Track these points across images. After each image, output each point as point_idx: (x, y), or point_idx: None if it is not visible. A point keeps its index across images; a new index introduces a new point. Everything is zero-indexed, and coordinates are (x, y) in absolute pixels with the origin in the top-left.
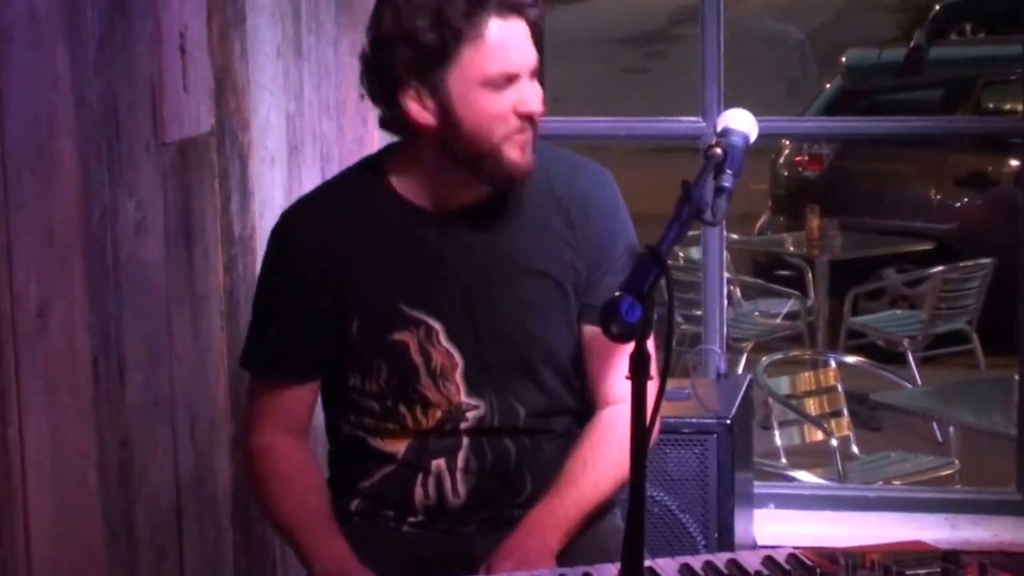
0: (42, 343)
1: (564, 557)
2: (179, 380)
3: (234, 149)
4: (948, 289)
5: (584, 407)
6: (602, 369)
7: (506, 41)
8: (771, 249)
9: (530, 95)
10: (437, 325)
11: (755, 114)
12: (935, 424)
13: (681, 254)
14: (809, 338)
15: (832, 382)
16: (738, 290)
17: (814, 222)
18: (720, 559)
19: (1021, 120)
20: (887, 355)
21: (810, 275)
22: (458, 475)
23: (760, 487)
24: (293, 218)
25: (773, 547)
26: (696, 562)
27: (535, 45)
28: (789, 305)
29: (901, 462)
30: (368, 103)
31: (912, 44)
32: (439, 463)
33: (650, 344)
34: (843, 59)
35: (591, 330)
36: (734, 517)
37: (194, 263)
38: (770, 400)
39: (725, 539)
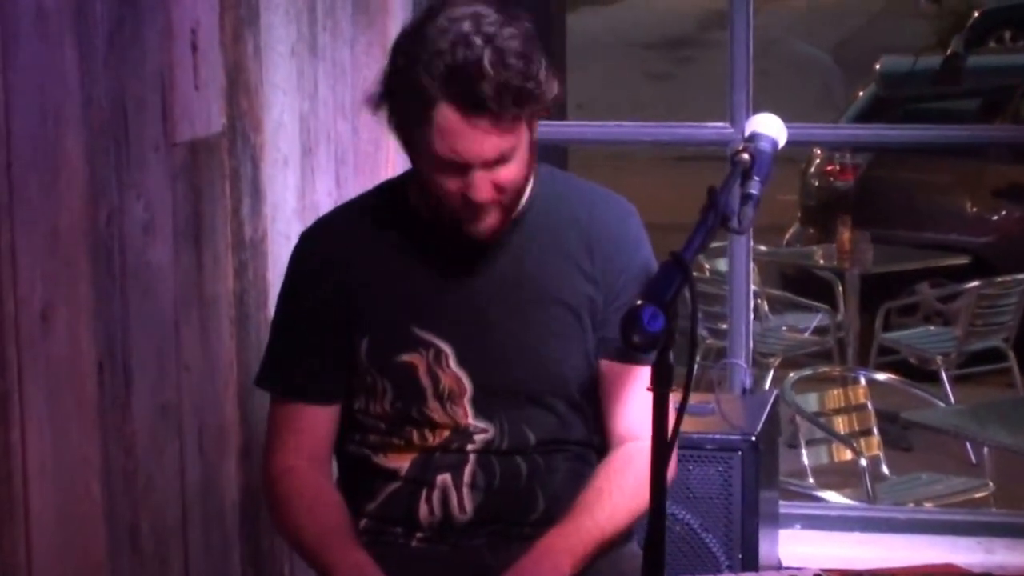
0: (46, 347)
1: None
2: (187, 387)
3: (246, 150)
4: (984, 305)
5: (598, 439)
6: (617, 405)
7: (456, 132)
8: (800, 262)
9: (479, 186)
10: (447, 348)
11: (785, 121)
12: (968, 444)
13: (707, 266)
14: (839, 354)
15: (862, 400)
16: (765, 304)
17: (845, 234)
18: None
19: None
20: (920, 373)
21: (840, 289)
22: (464, 490)
23: (786, 507)
24: (312, 239)
25: (799, 569)
26: None
27: (528, 121)
28: (818, 319)
29: (933, 483)
30: None
31: (949, 51)
32: (444, 478)
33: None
34: (877, 66)
35: (607, 364)
36: (759, 537)
37: (203, 267)
38: (797, 418)
39: (749, 560)
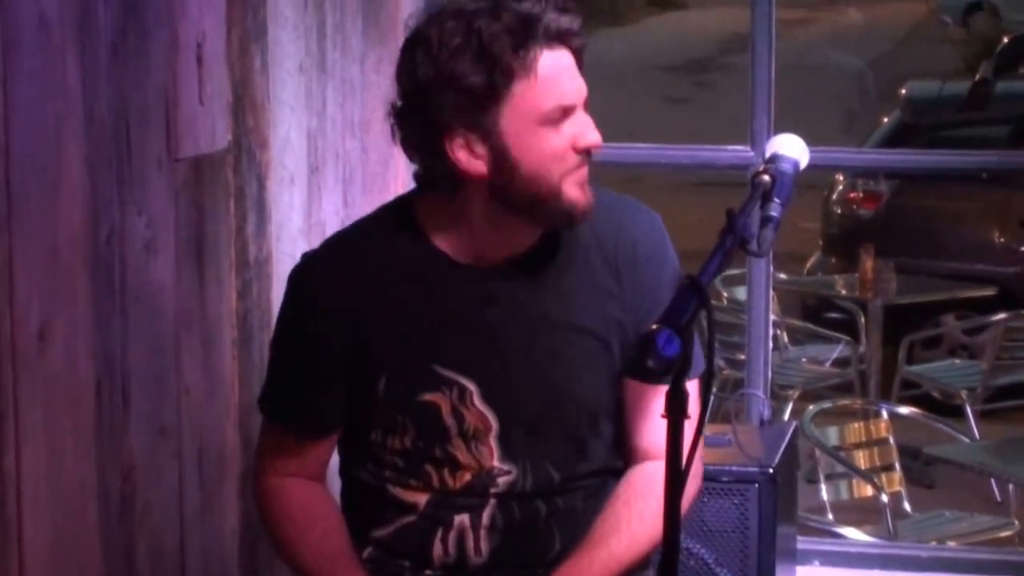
0: (42, 366)
1: None
2: (187, 410)
3: (251, 168)
4: (1011, 338)
5: (616, 460)
6: (642, 422)
7: (558, 73)
8: (821, 291)
9: (588, 127)
10: (471, 386)
11: (808, 146)
12: (993, 482)
13: (725, 294)
14: (860, 387)
15: (884, 434)
16: (784, 334)
17: (868, 263)
18: None
19: None
20: (944, 408)
21: (862, 320)
22: (482, 532)
23: (804, 542)
24: (314, 265)
25: None
26: None
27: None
28: (838, 351)
29: (956, 521)
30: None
31: (977, 77)
32: (462, 519)
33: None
34: (903, 91)
35: (633, 385)
36: (775, 574)
37: (206, 287)
38: (817, 452)
39: None
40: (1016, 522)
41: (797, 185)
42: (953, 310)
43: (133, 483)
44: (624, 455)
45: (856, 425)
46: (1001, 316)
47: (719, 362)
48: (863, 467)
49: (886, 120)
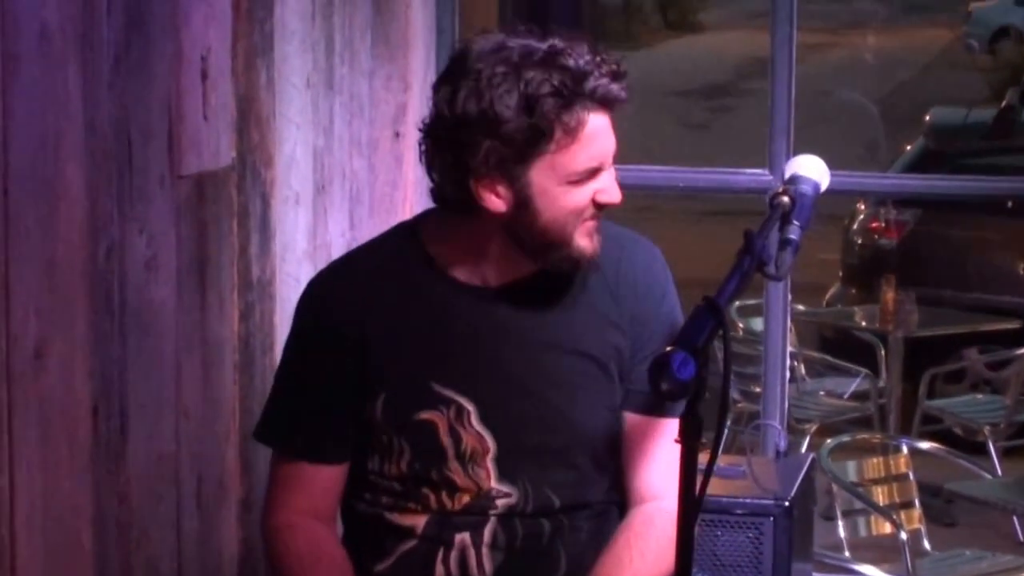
0: (38, 387)
1: None
2: (185, 435)
3: (256, 186)
4: None
5: (620, 496)
6: (640, 461)
7: (596, 136)
8: (840, 323)
9: (611, 185)
10: (469, 406)
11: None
12: (1016, 521)
13: (741, 325)
14: (879, 422)
15: (903, 470)
16: (802, 366)
17: (889, 294)
18: None
19: None
20: (966, 444)
21: (883, 353)
22: (484, 550)
23: None
24: (322, 287)
25: None
26: None
27: None
28: (856, 383)
29: (977, 560)
30: (404, 142)
31: (1003, 104)
32: (463, 537)
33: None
34: (927, 118)
35: (632, 418)
36: None
37: (207, 308)
38: (834, 487)
39: None
40: None
41: (816, 215)
42: (976, 343)
43: (129, 508)
44: (622, 496)
45: (875, 460)
46: None
47: (734, 394)
48: (882, 503)
49: (909, 147)
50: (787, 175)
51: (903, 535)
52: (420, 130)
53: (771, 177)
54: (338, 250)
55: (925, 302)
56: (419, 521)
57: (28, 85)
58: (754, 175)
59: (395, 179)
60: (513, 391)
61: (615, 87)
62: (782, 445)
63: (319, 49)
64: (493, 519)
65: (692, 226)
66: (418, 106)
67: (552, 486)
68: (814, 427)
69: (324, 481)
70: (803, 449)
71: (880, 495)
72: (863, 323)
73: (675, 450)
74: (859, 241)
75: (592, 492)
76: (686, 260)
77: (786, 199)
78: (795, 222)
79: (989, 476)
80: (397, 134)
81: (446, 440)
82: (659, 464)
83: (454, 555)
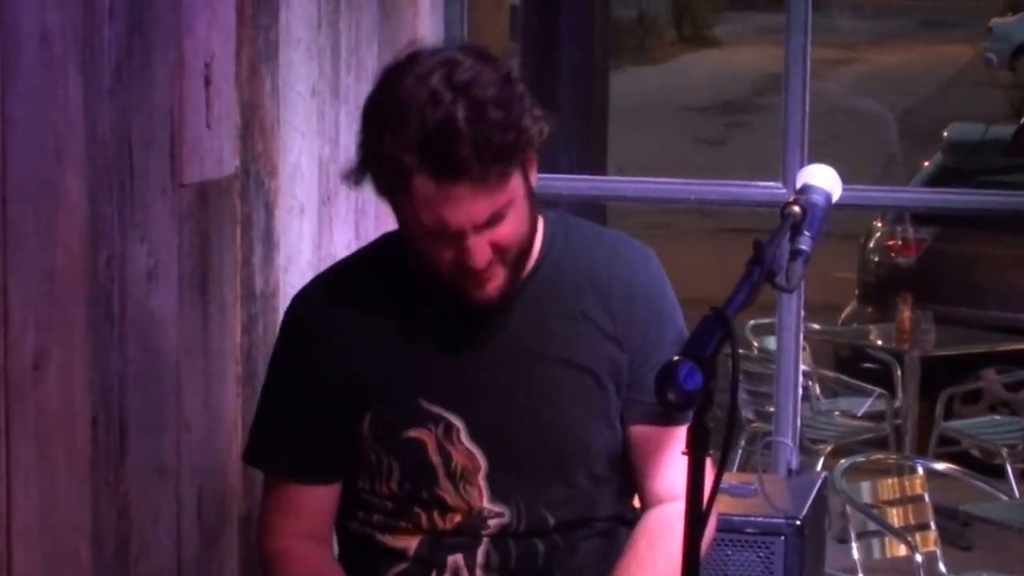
0: (36, 398)
1: None
2: (187, 448)
3: (259, 195)
4: None
5: (625, 510)
6: (653, 467)
7: (439, 200)
8: (856, 342)
9: (476, 252)
10: (458, 422)
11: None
12: None
13: (755, 343)
14: (895, 443)
15: (919, 491)
16: (817, 386)
17: (905, 313)
18: None
19: None
20: (983, 466)
21: (899, 372)
22: (478, 571)
23: None
24: (305, 301)
25: None
26: None
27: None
28: (870, 402)
29: None
30: None
31: (1023, 120)
32: (456, 559)
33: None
34: (945, 133)
35: (640, 429)
36: None
37: (209, 319)
38: (848, 509)
39: None
40: None
41: (832, 234)
42: (994, 363)
43: (129, 523)
44: (640, 500)
45: (890, 481)
46: None
47: (748, 414)
48: (896, 525)
49: (927, 164)
50: (798, 185)
51: (918, 557)
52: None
53: (784, 190)
54: None
55: (942, 321)
56: (411, 543)
57: (28, 91)
58: (767, 188)
59: None
60: (502, 406)
61: (468, 155)
62: (794, 463)
63: (324, 56)
64: (486, 540)
65: (706, 242)
66: None
67: (546, 504)
68: (829, 448)
69: (317, 501)
70: (817, 469)
71: (895, 517)
72: (879, 342)
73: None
74: (876, 259)
75: (591, 509)
76: (701, 277)
77: (797, 209)
78: (806, 232)
79: (1006, 498)
80: None
81: (435, 458)
82: (675, 467)
83: None
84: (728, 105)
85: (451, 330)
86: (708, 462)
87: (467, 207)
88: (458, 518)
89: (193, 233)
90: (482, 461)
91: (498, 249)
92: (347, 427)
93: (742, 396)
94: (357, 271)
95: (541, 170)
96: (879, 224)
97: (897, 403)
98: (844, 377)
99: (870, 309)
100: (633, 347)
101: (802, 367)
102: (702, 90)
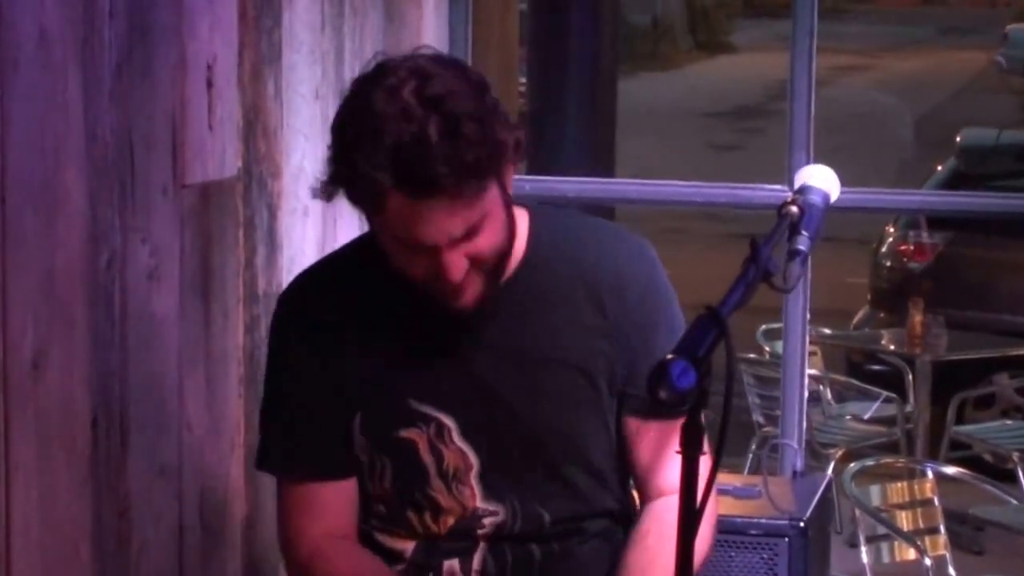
0: (36, 397)
1: None
2: (188, 448)
3: (262, 197)
4: None
5: (623, 507)
6: (652, 461)
7: (413, 217)
8: (867, 346)
9: (451, 265)
10: (449, 422)
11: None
12: None
13: (767, 348)
14: (906, 447)
15: (928, 495)
16: (828, 391)
17: (917, 318)
18: None
19: None
20: (995, 471)
21: (910, 377)
22: None
23: None
24: (292, 300)
25: None
26: None
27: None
28: (877, 404)
29: None
30: None
31: None
32: (452, 564)
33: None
34: (957, 138)
35: (637, 423)
36: None
37: (212, 320)
38: (858, 513)
39: None
40: None
41: (846, 240)
42: (1007, 368)
43: (129, 522)
44: (640, 494)
45: (899, 485)
46: None
47: (759, 418)
48: (906, 529)
49: (940, 168)
50: (797, 185)
51: (927, 561)
52: None
53: (789, 192)
54: None
55: (955, 325)
56: (407, 547)
57: (27, 91)
58: (773, 191)
59: None
60: (491, 405)
61: (442, 172)
62: (799, 465)
63: (328, 59)
64: (482, 545)
65: (718, 248)
66: None
67: (541, 501)
68: (840, 452)
69: (338, 498)
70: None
71: (904, 520)
72: (891, 347)
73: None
74: (888, 264)
75: (588, 506)
76: (713, 281)
77: (795, 209)
78: (804, 232)
79: (1016, 502)
80: None
81: (427, 458)
82: (668, 461)
83: None
84: (742, 111)
85: (440, 329)
86: (705, 460)
87: (442, 223)
88: (452, 520)
89: (195, 234)
90: (474, 460)
91: (475, 261)
92: (344, 424)
93: (753, 400)
94: (340, 269)
95: (546, 173)
96: (891, 229)
97: (908, 408)
98: (855, 382)
99: (882, 314)
100: (625, 339)
101: (813, 372)
102: (716, 96)
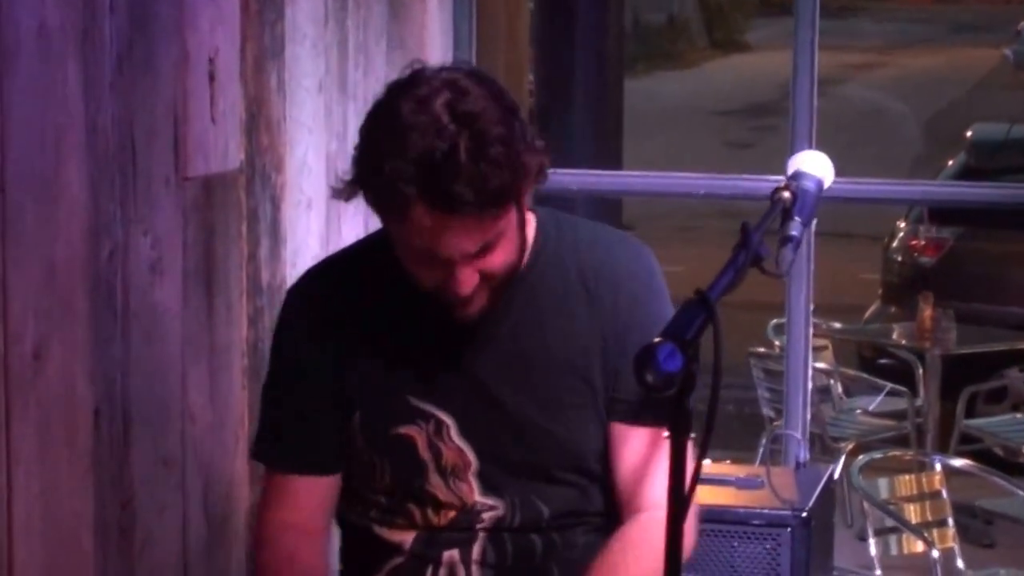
0: (37, 388)
1: None
2: (191, 440)
3: (266, 189)
4: None
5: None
6: (633, 472)
7: (433, 230)
8: (877, 340)
9: (462, 279)
10: (448, 420)
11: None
12: None
13: (776, 342)
14: (917, 441)
15: (936, 487)
16: (839, 384)
17: (926, 311)
18: None
19: None
20: (1006, 465)
21: (920, 371)
22: (474, 567)
23: None
24: (301, 292)
25: None
26: None
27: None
28: (882, 396)
29: None
30: None
31: None
32: (452, 554)
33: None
34: (968, 133)
35: (621, 428)
36: None
37: (215, 312)
38: (866, 506)
39: None
40: None
41: (858, 236)
42: (1018, 362)
43: (132, 514)
44: (622, 507)
45: (907, 478)
46: None
47: (769, 412)
48: (914, 521)
49: (951, 163)
50: (790, 171)
51: (935, 553)
52: None
53: None
54: None
55: (964, 319)
56: (407, 537)
57: (27, 83)
58: (776, 182)
59: None
60: (489, 404)
61: (466, 195)
62: (802, 456)
63: (332, 53)
64: (482, 536)
65: (730, 245)
66: None
67: (540, 497)
68: (850, 446)
69: (312, 493)
70: (838, 470)
71: (912, 513)
72: (901, 341)
73: (667, 458)
74: (899, 259)
75: (585, 503)
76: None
77: (787, 194)
78: (796, 218)
79: None
80: None
81: (426, 455)
82: (651, 475)
83: (443, 573)
84: (757, 109)
85: (441, 328)
86: (691, 447)
87: (459, 240)
88: (452, 513)
89: (198, 226)
90: (472, 458)
91: (485, 276)
92: (340, 421)
93: (763, 394)
94: (350, 267)
95: (552, 167)
96: (902, 224)
97: (919, 402)
98: (866, 376)
99: (893, 309)
100: (617, 345)
101: (824, 366)
102: (731, 94)
